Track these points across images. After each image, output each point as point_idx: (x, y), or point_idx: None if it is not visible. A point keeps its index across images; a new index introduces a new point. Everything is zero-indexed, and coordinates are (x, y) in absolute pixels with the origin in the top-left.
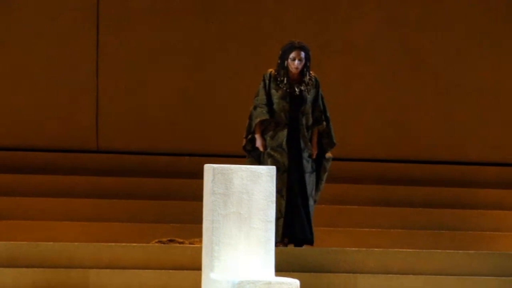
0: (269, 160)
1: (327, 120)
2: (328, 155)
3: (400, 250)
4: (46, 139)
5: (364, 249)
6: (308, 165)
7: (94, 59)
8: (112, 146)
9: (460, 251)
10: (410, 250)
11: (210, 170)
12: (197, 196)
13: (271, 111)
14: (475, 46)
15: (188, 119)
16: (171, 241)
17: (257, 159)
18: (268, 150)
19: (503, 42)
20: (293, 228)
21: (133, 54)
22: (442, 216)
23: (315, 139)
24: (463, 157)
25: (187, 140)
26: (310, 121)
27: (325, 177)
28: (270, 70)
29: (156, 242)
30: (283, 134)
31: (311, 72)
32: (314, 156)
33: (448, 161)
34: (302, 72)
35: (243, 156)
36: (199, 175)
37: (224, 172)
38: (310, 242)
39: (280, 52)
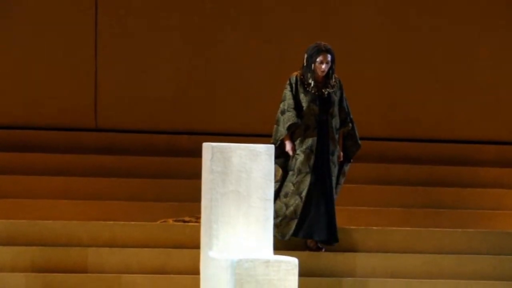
0: (296, 162)
1: (352, 121)
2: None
3: (399, 228)
4: (44, 118)
5: (363, 228)
6: (335, 169)
7: (93, 37)
8: (111, 124)
9: (459, 230)
10: (409, 228)
11: (209, 148)
12: (196, 175)
13: (299, 115)
14: (476, 25)
15: (188, 97)
16: (177, 221)
17: (282, 165)
18: (297, 152)
19: (503, 21)
20: (310, 230)
21: (132, 32)
22: (442, 194)
23: (340, 142)
24: (463, 136)
25: (186, 119)
26: (338, 123)
27: (343, 181)
28: (295, 73)
29: (161, 222)
30: (313, 137)
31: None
32: (341, 159)
33: (448, 140)
34: (327, 75)
35: (242, 135)
36: (198, 154)
37: (223, 151)
38: (330, 243)
39: (306, 55)
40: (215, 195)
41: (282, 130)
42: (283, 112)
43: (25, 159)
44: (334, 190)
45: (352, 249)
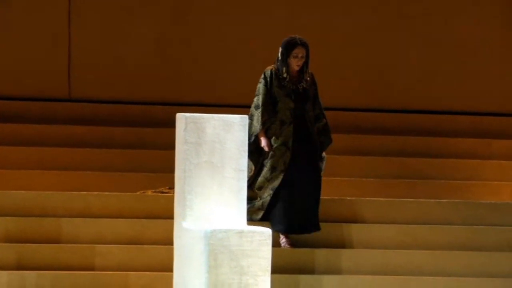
0: (270, 159)
1: (325, 117)
2: (323, 154)
3: (373, 199)
4: (17, 88)
5: (337, 198)
6: (320, 164)
7: (66, 6)
8: (84, 94)
9: (432, 200)
10: (383, 199)
11: (182, 119)
12: (171, 145)
13: (274, 110)
14: None
15: (162, 67)
16: (155, 193)
17: (256, 161)
18: (273, 149)
19: None
20: (281, 225)
21: (107, 1)
22: (415, 165)
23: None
24: (437, 106)
25: (160, 89)
26: (312, 118)
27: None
28: (270, 67)
29: (141, 193)
30: (289, 133)
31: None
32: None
33: (422, 110)
34: (302, 69)
35: (217, 105)
36: (172, 124)
37: (197, 121)
38: (309, 231)
39: (281, 48)
40: (188, 165)
41: (256, 125)
42: (257, 107)
43: None
44: (320, 182)
45: (326, 219)
